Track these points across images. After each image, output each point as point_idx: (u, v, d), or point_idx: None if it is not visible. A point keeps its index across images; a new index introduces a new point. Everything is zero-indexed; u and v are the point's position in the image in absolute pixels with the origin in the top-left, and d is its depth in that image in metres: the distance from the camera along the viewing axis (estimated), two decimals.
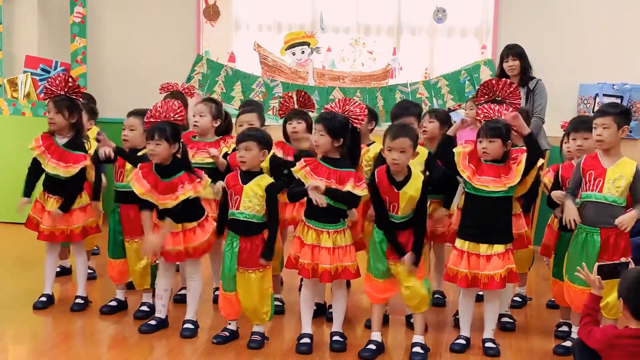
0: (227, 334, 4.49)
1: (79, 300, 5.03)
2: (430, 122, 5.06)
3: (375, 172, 4.32)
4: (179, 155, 4.49)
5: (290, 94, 5.23)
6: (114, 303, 4.99)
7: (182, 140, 4.54)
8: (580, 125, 4.61)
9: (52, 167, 4.85)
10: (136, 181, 4.43)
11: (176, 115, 4.48)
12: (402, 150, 4.19)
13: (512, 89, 4.76)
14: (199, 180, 4.48)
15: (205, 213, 4.58)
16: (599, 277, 3.55)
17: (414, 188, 4.24)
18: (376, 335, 4.40)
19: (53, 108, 4.86)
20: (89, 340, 4.60)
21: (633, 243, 4.38)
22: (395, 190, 4.23)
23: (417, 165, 4.47)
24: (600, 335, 3.36)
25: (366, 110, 4.48)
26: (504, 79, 4.87)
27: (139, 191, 4.40)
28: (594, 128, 4.22)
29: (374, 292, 4.40)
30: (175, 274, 5.00)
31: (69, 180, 4.87)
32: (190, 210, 4.48)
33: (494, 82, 4.80)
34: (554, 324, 4.85)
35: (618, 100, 6.99)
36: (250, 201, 4.33)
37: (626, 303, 3.32)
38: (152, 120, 4.45)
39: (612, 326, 3.50)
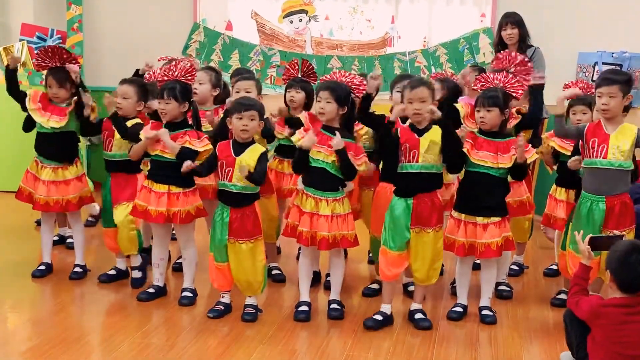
0: (222, 307, 4.45)
1: (77, 269, 5.04)
2: (442, 90, 5.02)
3: (399, 128, 4.30)
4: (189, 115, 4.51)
5: (296, 61, 5.17)
6: (112, 272, 4.99)
7: (193, 100, 4.57)
8: (577, 101, 4.60)
9: (45, 120, 4.80)
10: (143, 131, 4.48)
11: (187, 75, 4.50)
12: (422, 100, 4.19)
13: (526, 68, 4.72)
14: (205, 136, 4.49)
15: (194, 186, 4.56)
16: (589, 247, 3.56)
17: (435, 134, 4.22)
18: (386, 308, 4.37)
19: (55, 83, 4.83)
20: (87, 309, 4.61)
21: (636, 211, 4.37)
22: (417, 137, 4.23)
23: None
24: (586, 306, 3.38)
25: (364, 81, 4.46)
26: (522, 56, 4.80)
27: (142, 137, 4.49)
28: (599, 97, 4.17)
29: (387, 266, 4.30)
30: (172, 242, 5.00)
31: (63, 138, 4.87)
32: (179, 175, 4.43)
33: (513, 54, 4.79)
34: (551, 292, 4.88)
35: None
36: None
37: (613, 275, 3.33)
38: (165, 79, 4.47)
39: (597, 296, 3.51)
